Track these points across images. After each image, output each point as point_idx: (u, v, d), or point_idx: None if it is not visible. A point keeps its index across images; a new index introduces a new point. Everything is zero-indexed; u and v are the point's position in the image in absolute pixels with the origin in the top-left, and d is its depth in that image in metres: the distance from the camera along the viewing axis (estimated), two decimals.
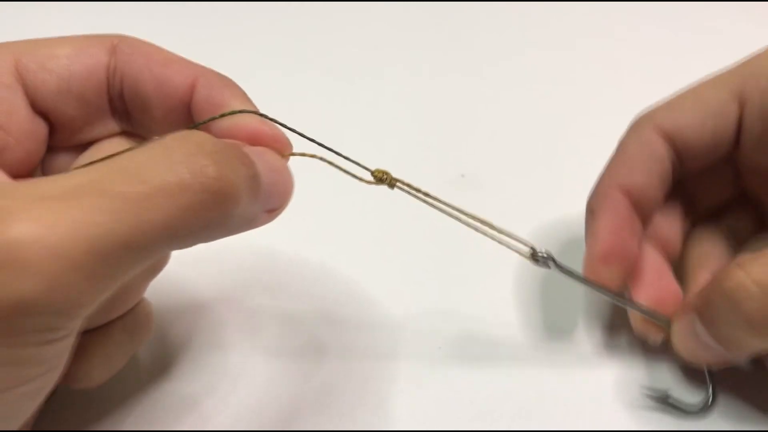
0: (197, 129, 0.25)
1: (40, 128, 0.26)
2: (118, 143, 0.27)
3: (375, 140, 0.43)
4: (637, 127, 0.31)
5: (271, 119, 0.25)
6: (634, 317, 0.30)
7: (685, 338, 0.28)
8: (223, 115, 0.25)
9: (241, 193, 0.22)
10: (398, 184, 0.26)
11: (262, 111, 0.26)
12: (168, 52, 0.27)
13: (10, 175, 0.24)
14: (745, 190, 0.32)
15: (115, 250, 0.19)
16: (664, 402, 0.29)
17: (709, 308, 0.27)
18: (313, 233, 0.36)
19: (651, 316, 0.29)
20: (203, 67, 0.27)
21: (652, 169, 0.30)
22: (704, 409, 0.29)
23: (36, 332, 0.19)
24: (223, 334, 0.32)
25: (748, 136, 0.30)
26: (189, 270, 0.34)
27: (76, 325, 0.21)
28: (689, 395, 0.29)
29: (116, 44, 0.26)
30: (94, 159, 0.25)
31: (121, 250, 0.19)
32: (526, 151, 0.42)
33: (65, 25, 0.38)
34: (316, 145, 0.26)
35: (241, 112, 0.25)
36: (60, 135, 0.27)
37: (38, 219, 0.18)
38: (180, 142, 0.21)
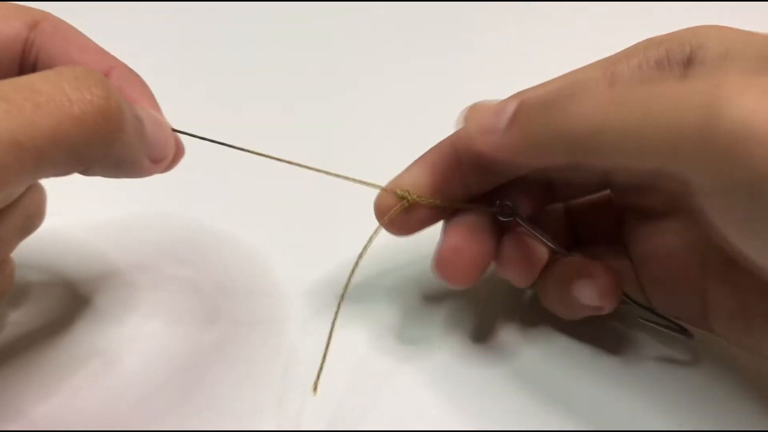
0: None
1: None
2: None
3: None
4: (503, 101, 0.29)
5: (179, 131, 0.28)
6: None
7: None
8: None
9: (126, 119, 0.23)
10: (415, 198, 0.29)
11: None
12: (88, 39, 0.28)
13: None
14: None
15: (6, 148, 0.20)
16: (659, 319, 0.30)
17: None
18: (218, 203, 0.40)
19: None
20: (118, 60, 0.28)
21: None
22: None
23: None
24: (126, 298, 0.34)
25: None
26: (96, 236, 0.37)
27: None
28: None
29: (39, 21, 0.27)
30: None
31: (13, 149, 0.21)
32: None
33: None
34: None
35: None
36: None
37: None
38: (70, 68, 0.23)
